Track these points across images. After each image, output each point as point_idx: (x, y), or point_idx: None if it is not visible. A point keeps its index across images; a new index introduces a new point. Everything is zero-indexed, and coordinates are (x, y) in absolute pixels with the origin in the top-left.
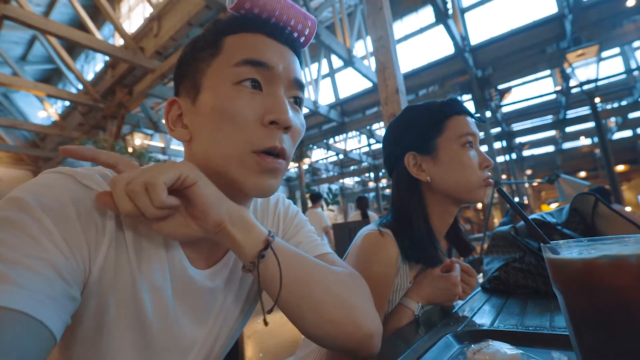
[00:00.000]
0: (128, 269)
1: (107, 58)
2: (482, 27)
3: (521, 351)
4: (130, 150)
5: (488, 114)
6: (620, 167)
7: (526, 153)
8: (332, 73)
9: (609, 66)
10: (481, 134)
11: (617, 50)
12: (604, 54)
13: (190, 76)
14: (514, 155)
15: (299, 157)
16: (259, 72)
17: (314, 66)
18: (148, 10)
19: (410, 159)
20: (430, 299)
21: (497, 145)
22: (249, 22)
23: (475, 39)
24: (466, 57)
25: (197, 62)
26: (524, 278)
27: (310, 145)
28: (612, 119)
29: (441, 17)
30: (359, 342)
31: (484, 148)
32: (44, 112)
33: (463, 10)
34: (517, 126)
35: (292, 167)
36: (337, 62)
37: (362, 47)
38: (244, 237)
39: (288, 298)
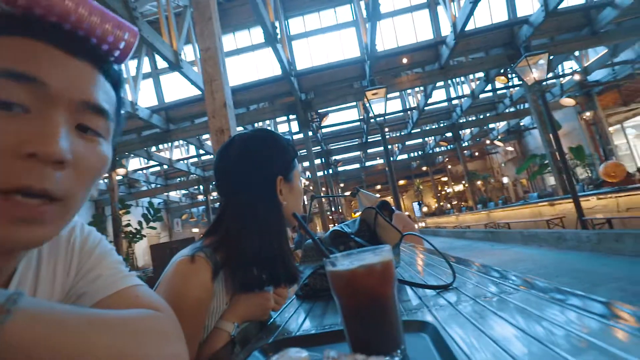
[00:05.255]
0: None
1: None
2: (306, 56)
3: (308, 352)
4: None
5: (310, 133)
6: (401, 182)
7: (340, 169)
8: (155, 74)
9: (393, 104)
10: (303, 152)
11: (397, 93)
12: (390, 95)
13: None
14: (330, 171)
15: (111, 167)
16: (24, 89)
17: (132, 63)
18: None
19: (279, 183)
20: (246, 316)
21: (317, 161)
22: (18, 23)
23: (300, 65)
24: (292, 80)
25: None
26: (327, 282)
27: (127, 153)
28: (396, 145)
29: (270, 39)
30: None
31: (306, 163)
32: None
33: (290, 38)
34: (332, 146)
35: (102, 178)
36: (162, 63)
37: (191, 52)
38: None
39: None
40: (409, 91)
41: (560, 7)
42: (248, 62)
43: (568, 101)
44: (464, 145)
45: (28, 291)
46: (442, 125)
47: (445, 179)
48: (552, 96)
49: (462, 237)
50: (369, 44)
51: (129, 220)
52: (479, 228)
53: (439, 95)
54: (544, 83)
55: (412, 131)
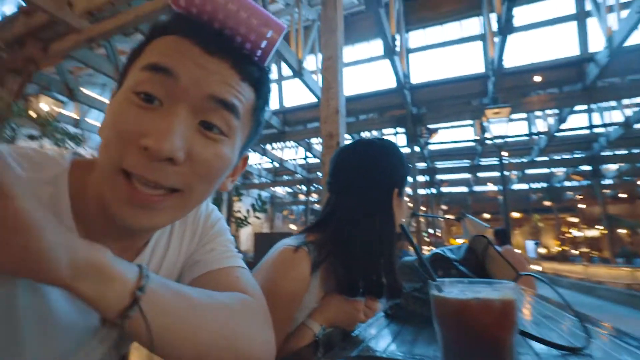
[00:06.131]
0: None
1: (21, 2)
2: (422, 69)
3: None
4: (33, 114)
5: (417, 148)
6: (515, 215)
7: (444, 189)
8: (280, 80)
9: (516, 127)
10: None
11: (524, 115)
12: (514, 116)
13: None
14: (434, 190)
15: None
16: (161, 82)
17: None
18: None
19: (395, 195)
20: (333, 322)
21: (421, 178)
22: (174, 23)
23: (415, 79)
24: (405, 93)
25: (125, 68)
26: (421, 307)
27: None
28: (514, 172)
29: (389, 52)
30: None
31: (409, 179)
32: None
33: (409, 50)
34: (439, 164)
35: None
36: (285, 70)
37: (312, 62)
38: (98, 294)
39: (165, 349)
40: (538, 113)
41: None
42: (362, 73)
43: None
44: (605, 182)
45: (161, 253)
46: (577, 156)
47: (574, 219)
48: None
49: (590, 293)
50: (496, 59)
51: (240, 207)
52: (616, 287)
53: (577, 120)
54: None
55: (537, 159)
